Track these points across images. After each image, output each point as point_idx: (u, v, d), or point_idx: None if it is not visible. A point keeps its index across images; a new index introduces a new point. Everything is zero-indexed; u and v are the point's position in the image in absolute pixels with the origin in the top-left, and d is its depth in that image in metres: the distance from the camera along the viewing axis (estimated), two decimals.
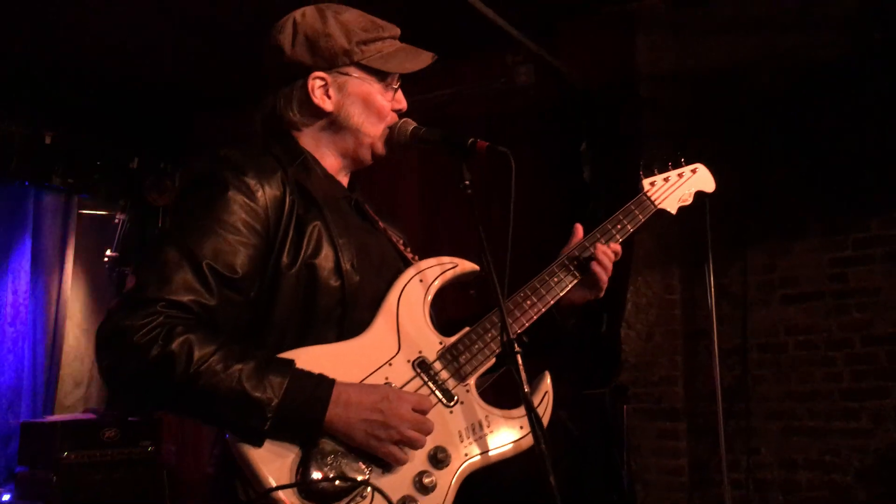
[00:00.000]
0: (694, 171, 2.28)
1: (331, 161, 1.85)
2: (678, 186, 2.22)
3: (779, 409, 4.62)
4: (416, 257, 1.92)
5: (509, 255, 1.71)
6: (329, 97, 1.80)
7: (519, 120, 5.17)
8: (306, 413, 1.51)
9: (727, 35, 4.77)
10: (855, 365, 4.47)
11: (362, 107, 1.82)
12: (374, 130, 1.84)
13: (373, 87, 1.83)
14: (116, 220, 6.69)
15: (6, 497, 5.23)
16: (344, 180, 1.90)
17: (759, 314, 4.73)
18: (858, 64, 4.12)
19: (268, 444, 1.51)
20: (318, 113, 1.81)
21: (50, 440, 5.33)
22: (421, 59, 1.88)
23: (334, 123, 1.82)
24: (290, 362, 1.55)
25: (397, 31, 1.90)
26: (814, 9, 4.53)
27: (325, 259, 1.66)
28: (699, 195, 2.26)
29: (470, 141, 1.74)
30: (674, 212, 2.20)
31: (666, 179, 2.21)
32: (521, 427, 1.72)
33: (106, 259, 6.55)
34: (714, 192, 2.31)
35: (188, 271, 1.53)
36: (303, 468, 1.50)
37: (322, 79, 1.79)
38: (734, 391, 4.69)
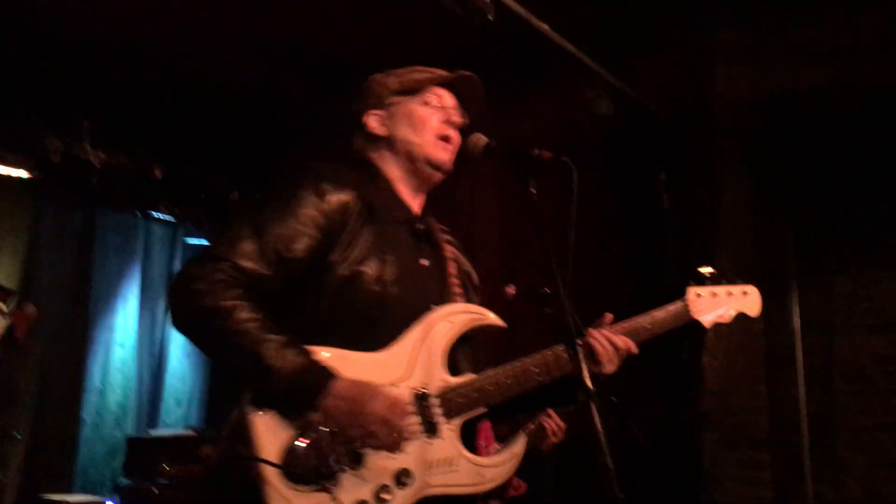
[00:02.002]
0: (745, 294, 2.32)
1: (401, 183, 2.09)
2: (722, 304, 2.27)
3: (866, 441, 4.52)
4: (461, 294, 2.08)
5: (570, 258, 1.84)
6: (384, 126, 2.10)
7: (599, 150, 5.27)
8: (304, 392, 1.72)
9: (805, 62, 4.78)
10: None
11: (407, 122, 2.08)
12: (419, 138, 2.06)
13: (412, 104, 2.09)
14: None
15: None
16: (415, 204, 2.10)
17: (844, 343, 4.66)
18: None
19: (270, 420, 1.72)
20: (378, 140, 2.10)
21: (152, 454, 5.65)
22: (451, 73, 2.12)
23: (391, 144, 2.09)
24: (309, 351, 1.77)
25: (442, 71, 2.15)
26: (892, 33, 4.52)
27: (370, 268, 1.89)
28: (740, 316, 2.31)
29: (536, 152, 1.91)
30: (707, 325, 2.25)
31: (713, 294, 2.26)
32: (481, 476, 1.90)
33: None
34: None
35: (254, 242, 1.81)
36: (290, 451, 1.70)
37: (376, 114, 2.11)
38: (819, 421, 4.62)
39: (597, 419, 1.63)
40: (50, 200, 6.10)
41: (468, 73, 2.11)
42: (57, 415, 6.06)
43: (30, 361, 5.76)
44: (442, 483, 1.85)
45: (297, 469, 1.69)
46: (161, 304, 6.90)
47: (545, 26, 4.13)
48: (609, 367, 2.04)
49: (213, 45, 5.21)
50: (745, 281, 2.35)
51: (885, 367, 4.54)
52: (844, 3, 4.62)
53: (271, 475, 1.69)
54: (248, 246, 1.80)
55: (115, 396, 6.42)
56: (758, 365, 4.84)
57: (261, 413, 1.72)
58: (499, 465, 1.94)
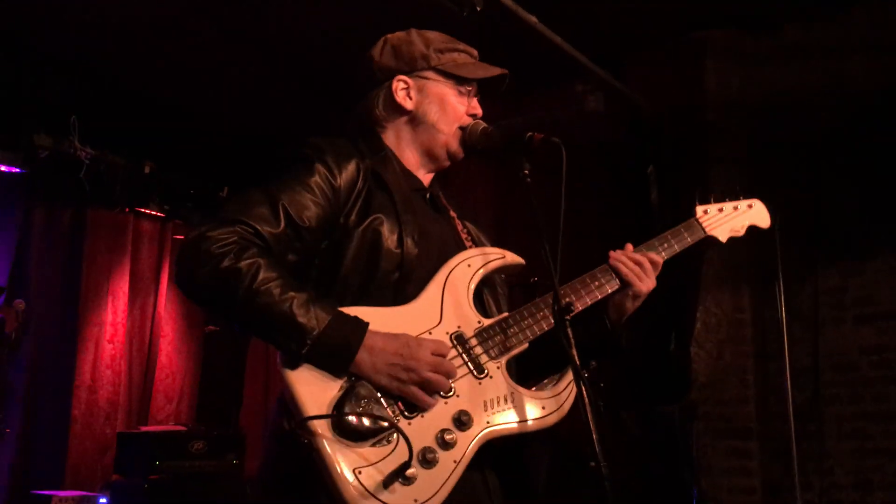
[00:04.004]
0: (750, 206, 2.36)
1: (410, 157, 2.10)
2: (732, 218, 2.32)
3: (853, 430, 4.59)
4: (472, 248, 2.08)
5: (560, 239, 1.85)
6: (410, 98, 2.07)
7: (589, 146, 5.31)
8: (338, 349, 1.70)
9: (795, 61, 4.85)
10: None
11: (439, 107, 2.08)
12: (447, 129, 2.08)
13: (448, 91, 2.09)
14: None
15: (103, 501, 5.54)
16: (424, 178, 2.12)
17: (831, 334, 4.73)
18: None
19: (311, 378, 1.69)
20: (400, 110, 2.08)
21: (143, 450, 5.63)
22: (491, 71, 2.12)
23: (414, 120, 2.09)
24: (336, 305, 1.75)
25: (474, 51, 2.17)
26: (881, 34, 4.58)
27: (389, 230, 1.89)
28: (752, 229, 2.35)
29: (528, 135, 1.94)
30: (723, 240, 2.29)
31: (720, 210, 2.31)
32: (543, 407, 1.87)
33: None
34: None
35: (267, 207, 1.79)
36: (339, 405, 1.68)
37: (404, 81, 2.07)
38: (807, 411, 4.68)
39: (585, 397, 1.65)
40: (39, 196, 6.08)
41: (505, 71, 2.11)
42: (47, 411, 6.03)
43: (20, 358, 5.74)
44: (504, 421, 1.83)
45: (354, 423, 1.67)
46: (150, 301, 6.88)
47: (533, 18, 4.16)
48: (640, 284, 2.05)
49: (205, 42, 5.22)
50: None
51: (870, 356, 4.62)
52: (832, 2, 4.69)
53: (324, 431, 1.65)
54: (261, 209, 1.78)
55: (104, 393, 6.39)
56: (745, 356, 4.90)
57: (299, 371, 1.69)
58: (559, 393, 1.91)
